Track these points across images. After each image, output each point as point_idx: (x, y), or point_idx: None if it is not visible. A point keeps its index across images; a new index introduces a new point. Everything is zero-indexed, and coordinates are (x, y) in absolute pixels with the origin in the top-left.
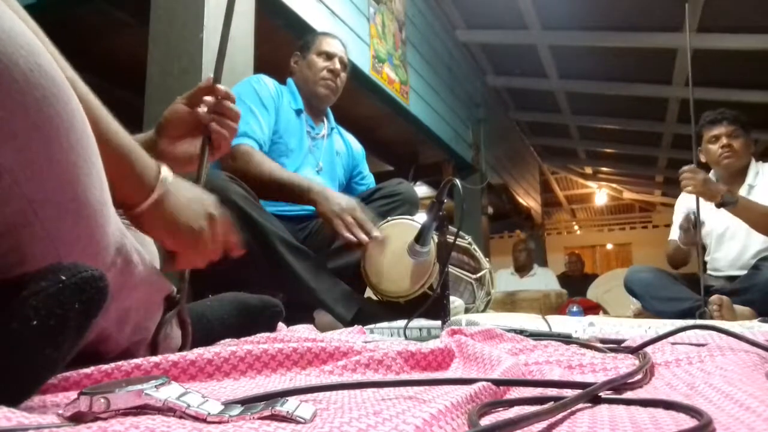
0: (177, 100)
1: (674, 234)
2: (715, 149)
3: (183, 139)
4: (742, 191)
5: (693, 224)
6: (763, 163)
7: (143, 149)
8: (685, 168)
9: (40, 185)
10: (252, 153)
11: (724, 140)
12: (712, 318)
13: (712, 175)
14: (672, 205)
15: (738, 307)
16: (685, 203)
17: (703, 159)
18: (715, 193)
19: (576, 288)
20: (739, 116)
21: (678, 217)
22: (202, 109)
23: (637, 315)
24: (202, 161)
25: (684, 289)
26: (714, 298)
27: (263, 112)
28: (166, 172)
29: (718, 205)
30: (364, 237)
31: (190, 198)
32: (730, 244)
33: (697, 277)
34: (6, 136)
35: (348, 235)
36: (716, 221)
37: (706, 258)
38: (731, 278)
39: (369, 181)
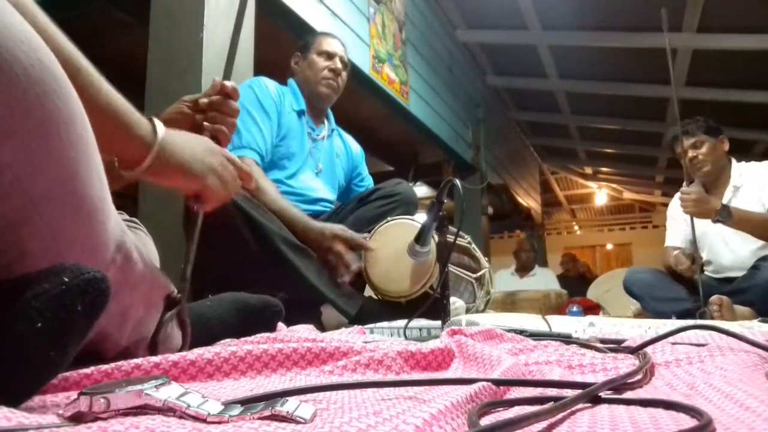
0: (182, 100)
1: (669, 241)
2: (686, 163)
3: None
4: (728, 194)
5: (691, 258)
6: (747, 162)
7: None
8: (681, 190)
9: (40, 181)
10: (251, 169)
11: (689, 153)
12: (712, 318)
13: (698, 184)
14: None
15: (738, 307)
16: (677, 210)
17: None
18: (710, 211)
19: (575, 288)
20: (702, 122)
21: (671, 224)
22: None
23: (637, 315)
24: None
25: (683, 290)
26: (714, 298)
27: (265, 118)
28: (160, 126)
29: (715, 221)
30: (346, 278)
31: (187, 140)
32: (728, 246)
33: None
34: (7, 132)
35: (338, 279)
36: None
37: (704, 260)
38: (730, 279)
39: (368, 182)
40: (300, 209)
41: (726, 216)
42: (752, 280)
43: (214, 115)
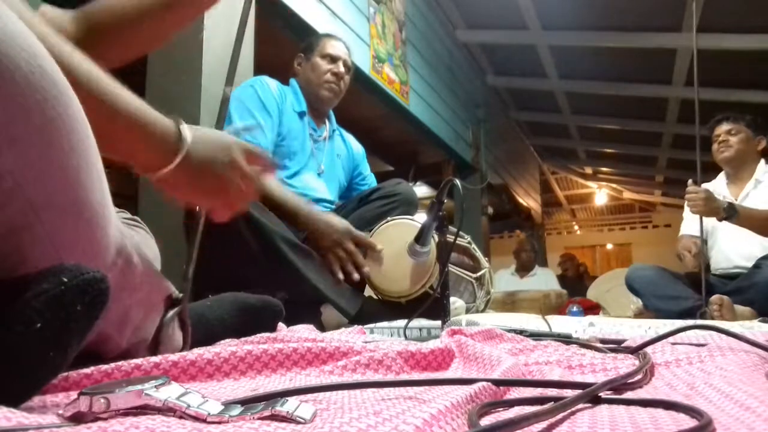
0: None
1: (685, 230)
2: (715, 147)
3: None
4: (748, 187)
5: (699, 250)
6: None
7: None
8: (688, 189)
9: (41, 187)
10: None
11: (721, 136)
12: (712, 318)
13: (722, 175)
14: (671, 205)
15: (738, 307)
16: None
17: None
18: (717, 210)
19: (573, 288)
20: (746, 116)
21: (688, 215)
22: None
23: (638, 315)
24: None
25: (685, 288)
26: (714, 298)
27: (266, 117)
28: (185, 130)
29: (721, 219)
30: (356, 275)
31: (211, 148)
32: (737, 239)
33: (700, 276)
34: (8, 139)
35: (340, 275)
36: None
37: (711, 253)
38: (737, 275)
39: (370, 181)
40: (304, 200)
41: (732, 213)
42: (753, 278)
43: None
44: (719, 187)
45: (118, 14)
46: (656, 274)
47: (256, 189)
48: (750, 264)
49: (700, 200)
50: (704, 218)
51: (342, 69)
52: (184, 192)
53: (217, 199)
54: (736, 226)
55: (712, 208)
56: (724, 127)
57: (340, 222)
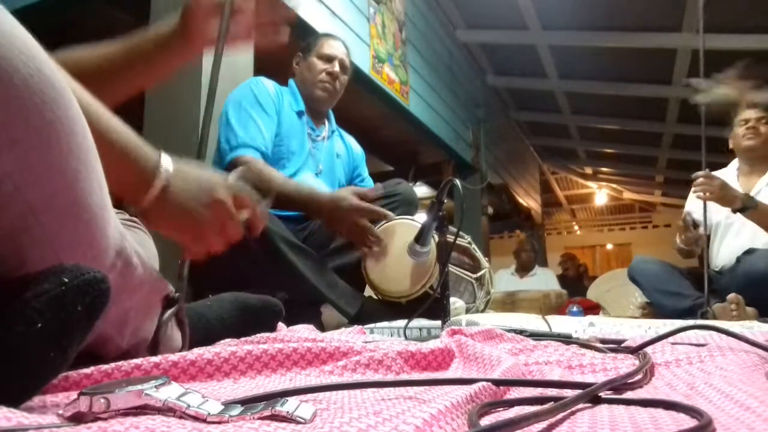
0: None
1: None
2: (741, 132)
3: (212, 17)
4: (762, 182)
5: (693, 225)
6: None
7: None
8: (700, 174)
9: (40, 190)
10: (251, 164)
11: (751, 123)
12: (715, 318)
13: (735, 163)
14: (671, 205)
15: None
16: (694, 203)
17: (731, 145)
18: (734, 199)
19: (573, 288)
20: None
21: (691, 207)
22: None
23: (643, 311)
24: (220, 44)
25: (688, 286)
26: (731, 296)
27: (264, 116)
28: (166, 162)
29: (736, 210)
30: (376, 248)
31: (194, 186)
32: (739, 236)
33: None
34: (6, 142)
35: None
36: (722, 215)
37: (713, 250)
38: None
39: (368, 183)
40: (309, 187)
41: (751, 204)
42: (734, 272)
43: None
44: (729, 178)
45: (77, 68)
46: (660, 268)
47: (237, 233)
48: None
49: (715, 186)
50: (708, 215)
51: (337, 69)
52: (163, 226)
53: (192, 238)
54: (739, 225)
55: (727, 195)
56: (756, 114)
57: (344, 199)
